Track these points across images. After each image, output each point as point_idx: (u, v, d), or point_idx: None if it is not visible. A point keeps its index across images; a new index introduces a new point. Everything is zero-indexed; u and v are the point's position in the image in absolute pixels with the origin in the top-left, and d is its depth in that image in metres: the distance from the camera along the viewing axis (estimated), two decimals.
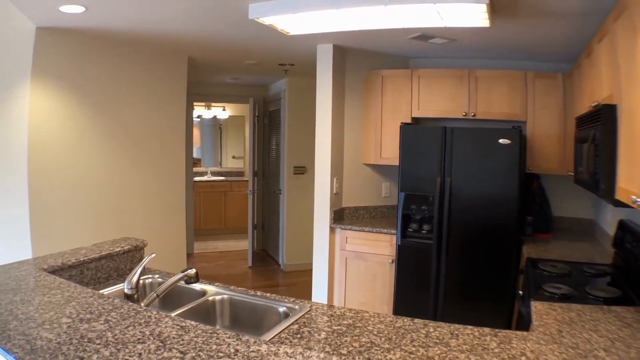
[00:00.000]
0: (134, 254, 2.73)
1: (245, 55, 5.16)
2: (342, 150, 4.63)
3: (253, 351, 1.31)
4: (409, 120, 4.47)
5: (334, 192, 4.49)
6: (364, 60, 4.70)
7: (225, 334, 1.44)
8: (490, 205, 3.79)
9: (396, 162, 4.29)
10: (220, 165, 10.34)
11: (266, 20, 3.31)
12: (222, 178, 9.82)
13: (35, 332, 1.45)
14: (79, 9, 3.34)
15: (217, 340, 1.39)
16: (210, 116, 10.05)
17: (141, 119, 4.70)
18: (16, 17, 3.74)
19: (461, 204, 3.87)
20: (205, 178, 9.54)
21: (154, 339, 1.41)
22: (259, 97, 7.62)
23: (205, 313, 2.15)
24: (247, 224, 7.24)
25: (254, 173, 7.31)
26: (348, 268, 4.43)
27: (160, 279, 2.48)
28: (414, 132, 4.06)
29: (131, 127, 4.62)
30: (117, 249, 2.61)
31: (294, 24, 3.41)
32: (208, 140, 10.22)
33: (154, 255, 2.14)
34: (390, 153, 4.55)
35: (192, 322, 1.54)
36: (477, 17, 2.96)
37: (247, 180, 9.11)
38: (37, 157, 3.93)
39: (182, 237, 5.19)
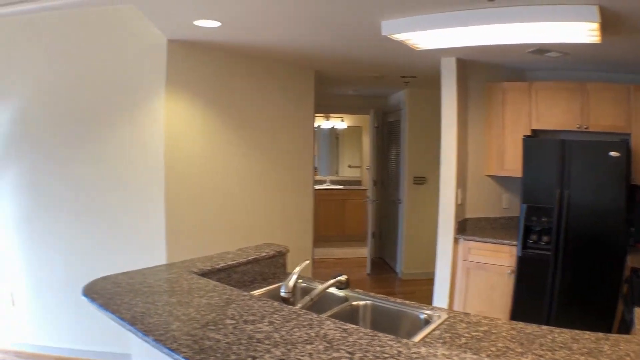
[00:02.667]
0: (278, 259, 2.87)
1: (369, 68, 5.31)
2: (465, 161, 4.62)
3: (414, 352, 1.37)
4: (528, 132, 4.44)
5: (458, 203, 4.48)
6: (483, 72, 4.69)
7: (386, 336, 1.49)
8: (599, 217, 3.82)
9: (517, 174, 4.30)
10: (337, 174, 10.55)
11: (399, 37, 3.42)
12: (341, 187, 10.02)
13: (201, 332, 1.54)
14: (214, 23, 3.50)
15: (380, 342, 1.44)
16: (329, 126, 10.29)
17: (271, 131, 4.91)
18: (147, 30, 3.94)
19: (576, 215, 3.90)
20: (324, 186, 9.78)
21: (320, 340, 1.47)
22: (378, 108, 7.73)
23: (349, 317, 2.24)
24: (364, 231, 7.36)
25: (374, 182, 7.41)
26: (470, 278, 4.42)
27: (303, 284, 2.61)
28: (536, 144, 4.13)
29: (261, 138, 4.84)
30: (263, 254, 2.76)
31: (424, 39, 3.51)
32: (324, 150, 10.46)
33: (308, 262, 2.28)
34: (511, 165, 4.51)
35: (353, 325, 1.59)
36: (589, 34, 3.08)
37: (364, 189, 9.23)
38: (173, 167, 4.14)
39: (309, 244, 5.39)
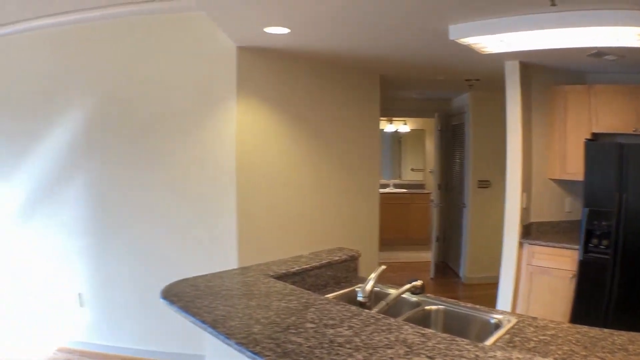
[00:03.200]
0: (350, 263, 2.91)
1: (433, 72, 5.37)
2: (530, 165, 4.60)
3: (490, 356, 1.40)
4: (588, 136, 4.41)
5: (523, 206, 4.46)
6: (545, 75, 4.66)
7: (463, 341, 1.52)
8: None
9: (579, 177, 4.27)
10: (400, 177, 10.55)
11: (466, 41, 3.47)
12: (404, 190, 10.03)
13: (283, 336, 1.58)
14: (284, 30, 3.59)
15: (457, 347, 1.47)
16: (392, 130, 10.32)
17: (338, 135, 4.99)
18: (217, 37, 4.04)
19: (634, 219, 3.85)
20: (387, 190, 9.80)
21: (400, 344, 1.49)
22: (441, 111, 7.72)
23: (422, 321, 2.28)
24: (426, 235, 7.35)
25: (438, 186, 7.40)
26: (533, 283, 4.40)
27: (376, 288, 2.62)
28: (596, 148, 4.12)
29: (328, 143, 4.92)
30: (336, 258, 2.81)
31: (490, 43, 3.55)
32: (387, 153, 10.48)
33: (384, 267, 2.32)
34: (574, 168, 4.47)
35: (430, 330, 1.63)
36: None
37: (427, 193, 9.19)
38: (244, 171, 4.22)
39: (375, 247, 5.48)
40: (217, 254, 4.25)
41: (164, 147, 4.35)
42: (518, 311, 4.47)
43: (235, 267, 4.01)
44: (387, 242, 8.93)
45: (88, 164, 4.53)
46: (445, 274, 7.42)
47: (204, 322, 1.78)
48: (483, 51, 3.81)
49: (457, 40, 3.46)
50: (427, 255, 7.79)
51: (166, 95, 4.32)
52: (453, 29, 3.39)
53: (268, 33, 3.67)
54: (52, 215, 4.70)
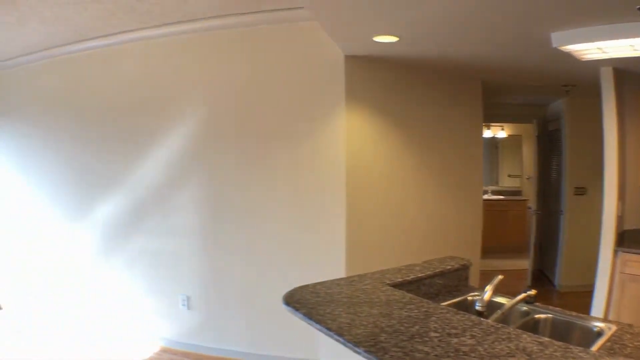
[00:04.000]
0: (461, 272, 2.95)
1: (531, 77, 5.42)
2: (624, 172, 4.57)
3: None
4: None
5: (618, 214, 4.46)
6: (636, 82, 4.62)
7: (576, 348, 1.58)
8: None
9: None
10: (497, 183, 10.51)
11: (568, 48, 3.59)
12: (501, 197, 10.00)
13: (409, 344, 1.63)
14: (392, 39, 3.71)
15: (572, 354, 1.52)
16: (489, 136, 10.29)
17: (443, 142, 5.05)
18: (324, 45, 4.17)
19: None
20: (485, 197, 9.76)
21: (521, 352, 1.54)
22: (537, 116, 7.68)
23: (532, 330, 2.35)
24: (522, 242, 7.30)
25: (537, 193, 7.38)
26: (624, 291, 4.39)
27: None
28: None
29: (433, 149, 5.00)
30: (448, 267, 2.85)
31: (590, 50, 3.66)
32: (485, 159, 10.39)
33: (501, 277, 2.42)
34: None
35: (546, 338, 1.68)
36: None
37: (524, 200, 9.11)
38: (353, 179, 4.31)
39: (476, 255, 5.49)
40: (324, 258, 4.37)
41: (272, 153, 4.53)
42: (610, 319, 4.49)
43: (342, 271, 4.23)
44: (483, 249, 8.94)
45: (199, 170, 4.79)
46: (540, 282, 7.37)
47: (329, 329, 1.85)
48: (583, 58, 3.89)
49: (559, 47, 3.57)
50: (523, 263, 7.77)
51: (276, 103, 4.50)
52: (555, 37, 3.51)
53: (376, 42, 3.79)
54: (162, 220, 5.01)
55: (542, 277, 7.64)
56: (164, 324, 5.10)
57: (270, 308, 4.40)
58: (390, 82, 4.65)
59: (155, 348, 5.07)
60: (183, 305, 4.96)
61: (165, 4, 4.14)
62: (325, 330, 1.87)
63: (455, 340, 1.70)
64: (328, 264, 4.35)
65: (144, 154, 5.06)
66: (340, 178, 4.31)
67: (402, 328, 1.84)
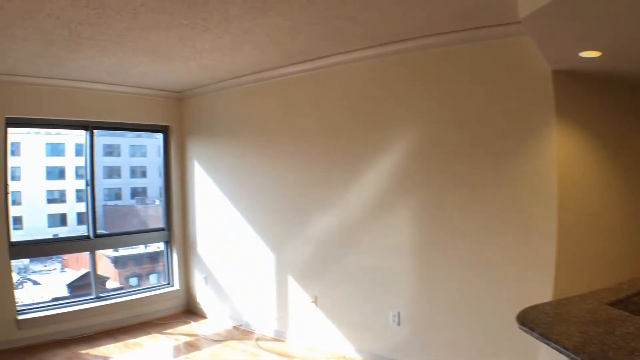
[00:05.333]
0: None
1: None
2: None
3: None
4: None
5: None
6: None
7: None
8: None
9: None
10: None
11: None
12: None
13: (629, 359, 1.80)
14: (596, 54, 3.65)
15: None
16: None
17: None
18: (528, 61, 4.22)
19: None
20: None
21: None
22: None
23: None
24: None
25: None
26: None
27: None
28: None
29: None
30: None
31: None
32: None
33: None
34: None
35: None
36: None
37: None
38: (567, 198, 4.22)
39: None
40: (529, 276, 4.37)
41: (478, 173, 4.65)
42: None
43: (550, 290, 4.20)
44: None
45: (413, 190, 5.04)
46: None
47: (566, 348, 2.00)
48: None
49: None
50: None
51: (483, 122, 4.60)
52: None
53: (582, 57, 3.72)
54: (376, 238, 5.33)
55: None
56: (372, 338, 5.43)
57: (479, 327, 4.69)
58: (604, 101, 4.58)
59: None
60: (393, 321, 5.23)
61: (373, 26, 4.49)
62: (562, 349, 2.03)
63: None
64: (532, 283, 4.35)
65: (357, 174, 5.50)
66: (549, 197, 4.25)
67: (623, 344, 2.01)
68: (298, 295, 6.24)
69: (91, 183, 7.11)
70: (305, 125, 6.07)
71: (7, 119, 6.20)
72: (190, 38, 4.77)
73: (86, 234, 7.27)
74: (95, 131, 7.17)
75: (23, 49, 4.94)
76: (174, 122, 7.83)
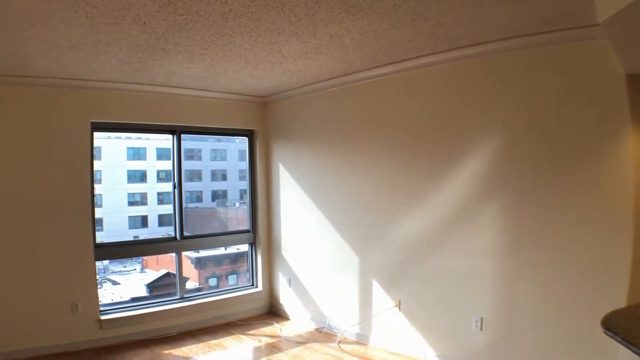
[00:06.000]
0: None
1: None
2: None
3: None
4: None
5: None
6: None
7: None
8: None
9: None
10: None
11: None
12: None
13: None
14: None
15: None
16: None
17: None
18: (600, 65, 4.21)
19: None
20: None
21: None
22: None
23: None
24: None
25: None
26: None
27: None
28: None
29: None
30: None
31: None
32: None
33: None
34: None
35: None
36: None
37: None
38: None
39: None
40: (605, 280, 4.30)
41: (555, 177, 4.61)
42: None
43: (624, 295, 4.11)
44: None
45: (501, 193, 4.96)
46: None
47: None
48: None
49: None
50: None
51: (558, 124, 4.57)
52: None
53: None
54: (462, 241, 5.27)
55: None
56: (454, 344, 5.37)
57: (559, 333, 4.57)
58: None
59: None
60: (476, 326, 5.16)
61: (456, 28, 4.46)
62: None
63: None
64: (608, 287, 4.28)
65: (441, 177, 5.47)
66: (625, 201, 4.20)
67: None
68: (381, 298, 6.20)
69: (178, 186, 7.26)
70: (389, 128, 6.04)
71: (93, 123, 6.46)
72: (277, 43, 4.77)
73: (172, 235, 7.38)
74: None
75: (108, 55, 5.07)
76: (259, 126, 7.96)
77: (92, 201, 6.44)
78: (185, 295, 7.40)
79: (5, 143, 5.90)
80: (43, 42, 4.52)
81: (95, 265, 6.52)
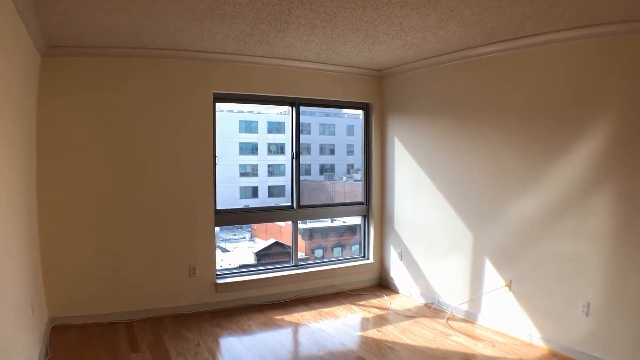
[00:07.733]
0: None
1: None
2: None
3: None
4: None
5: None
6: None
7: None
8: None
9: None
10: None
11: None
12: None
13: None
14: None
15: None
16: None
17: None
18: None
19: None
20: None
21: None
22: None
23: None
24: None
25: None
26: None
27: None
28: None
29: None
30: None
31: None
32: None
33: None
34: None
35: None
36: None
37: None
38: None
39: None
40: None
41: None
42: None
43: None
44: None
45: (615, 173, 4.80)
46: None
47: None
48: None
49: None
50: None
51: None
52: None
53: None
54: (573, 223, 5.13)
55: None
56: (559, 328, 5.26)
57: None
58: None
59: (542, 350, 5.33)
60: (582, 311, 5.01)
61: (576, 7, 4.31)
62: None
63: None
64: None
65: (558, 156, 5.31)
66: None
67: None
68: (492, 277, 6.10)
69: (296, 156, 7.48)
70: (507, 105, 5.85)
71: (215, 94, 6.73)
72: (397, 16, 4.75)
73: (287, 204, 7.62)
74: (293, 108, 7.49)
75: (232, 27, 5.21)
76: (375, 99, 7.92)
77: (214, 169, 6.76)
78: (300, 263, 7.62)
79: (133, 113, 6.25)
80: (167, 14, 4.72)
81: (214, 230, 6.84)
